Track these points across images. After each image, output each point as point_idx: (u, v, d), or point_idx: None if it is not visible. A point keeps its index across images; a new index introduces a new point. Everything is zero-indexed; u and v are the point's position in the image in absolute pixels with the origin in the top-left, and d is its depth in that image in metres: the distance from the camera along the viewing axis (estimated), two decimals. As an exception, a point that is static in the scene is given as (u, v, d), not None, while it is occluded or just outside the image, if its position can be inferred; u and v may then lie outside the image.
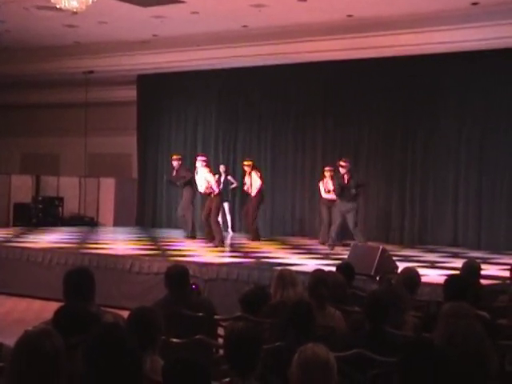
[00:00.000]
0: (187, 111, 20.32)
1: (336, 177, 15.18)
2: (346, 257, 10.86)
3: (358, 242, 13.12)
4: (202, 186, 15.32)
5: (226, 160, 19.20)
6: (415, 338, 5.04)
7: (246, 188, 16.55)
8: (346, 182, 14.66)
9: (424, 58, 16.22)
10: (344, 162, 14.91)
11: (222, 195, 16.08)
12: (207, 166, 15.57)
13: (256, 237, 16.24)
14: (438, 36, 15.21)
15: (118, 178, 20.84)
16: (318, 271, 6.55)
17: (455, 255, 13.99)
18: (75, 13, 14.65)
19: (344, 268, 7.65)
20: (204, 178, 15.20)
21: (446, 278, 6.36)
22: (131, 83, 20.56)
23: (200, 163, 15.47)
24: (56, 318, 4.17)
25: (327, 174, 15.88)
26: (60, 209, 19.99)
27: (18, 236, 16.03)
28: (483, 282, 8.29)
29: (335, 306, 6.17)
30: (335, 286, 6.50)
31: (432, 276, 10.26)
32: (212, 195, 15.19)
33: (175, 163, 16.69)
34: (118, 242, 15.30)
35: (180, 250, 13.84)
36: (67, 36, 18.38)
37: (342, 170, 14.82)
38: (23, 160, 22.98)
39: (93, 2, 13.17)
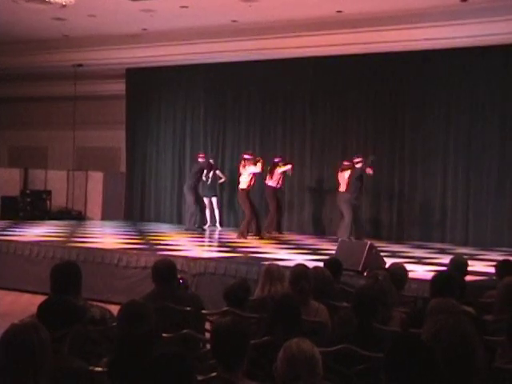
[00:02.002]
0: (176, 105, 20.29)
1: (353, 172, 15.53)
2: (333, 252, 10.87)
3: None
4: (243, 182, 15.46)
5: (215, 154, 19.18)
6: (402, 333, 5.05)
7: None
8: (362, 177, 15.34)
9: (413, 54, 16.27)
10: (358, 157, 15.36)
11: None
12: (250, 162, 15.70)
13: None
14: (426, 32, 15.25)
15: (106, 172, 20.80)
16: (299, 265, 6.53)
17: (443, 251, 14.03)
18: (64, 6, 14.63)
19: (332, 263, 7.64)
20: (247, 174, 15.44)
21: (433, 274, 6.37)
22: (120, 77, 20.51)
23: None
24: (40, 311, 4.16)
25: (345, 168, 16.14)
26: (48, 202, 19.93)
27: (5, 229, 15.97)
28: (470, 278, 8.32)
29: (322, 301, 6.17)
30: (322, 281, 6.50)
31: (419, 272, 10.29)
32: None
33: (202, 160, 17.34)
34: (106, 236, 15.27)
35: (168, 245, 13.83)
36: (56, 29, 18.32)
37: (359, 165, 15.24)
38: (11, 153, 22.90)
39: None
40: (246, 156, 15.84)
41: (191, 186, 17.03)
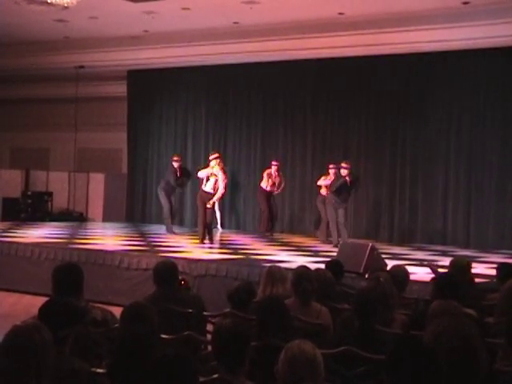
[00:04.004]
0: (177, 107, 20.29)
1: (338, 177, 15.24)
2: (335, 254, 10.87)
3: (345, 240, 13.39)
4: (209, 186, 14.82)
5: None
6: (404, 335, 5.05)
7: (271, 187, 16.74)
8: (348, 183, 14.78)
9: (414, 56, 16.27)
10: (346, 163, 14.95)
11: None
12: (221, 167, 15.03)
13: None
14: (428, 34, 15.25)
15: (107, 173, 20.79)
16: (301, 267, 6.53)
17: (444, 253, 14.02)
18: (66, 7, 14.63)
19: (333, 265, 7.65)
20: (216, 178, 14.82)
21: (438, 276, 6.36)
22: (121, 78, 20.52)
23: (215, 162, 14.79)
24: (41, 313, 4.16)
25: (331, 171, 15.93)
26: (49, 204, 19.94)
27: (6, 231, 15.97)
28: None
29: (324, 302, 6.17)
30: (324, 283, 6.50)
31: (421, 274, 10.27)
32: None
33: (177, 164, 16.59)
34: (107, 238, 15.27)
35: (169, 246, 13.82)
36: (57, 31, 18.33)
37: (343, 172, 14.86)
38: (13, 154, 22.90)
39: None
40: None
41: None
